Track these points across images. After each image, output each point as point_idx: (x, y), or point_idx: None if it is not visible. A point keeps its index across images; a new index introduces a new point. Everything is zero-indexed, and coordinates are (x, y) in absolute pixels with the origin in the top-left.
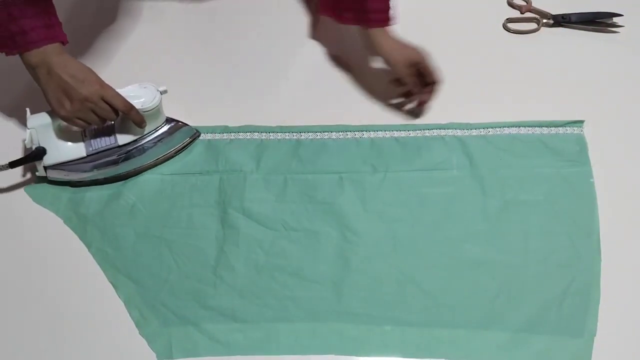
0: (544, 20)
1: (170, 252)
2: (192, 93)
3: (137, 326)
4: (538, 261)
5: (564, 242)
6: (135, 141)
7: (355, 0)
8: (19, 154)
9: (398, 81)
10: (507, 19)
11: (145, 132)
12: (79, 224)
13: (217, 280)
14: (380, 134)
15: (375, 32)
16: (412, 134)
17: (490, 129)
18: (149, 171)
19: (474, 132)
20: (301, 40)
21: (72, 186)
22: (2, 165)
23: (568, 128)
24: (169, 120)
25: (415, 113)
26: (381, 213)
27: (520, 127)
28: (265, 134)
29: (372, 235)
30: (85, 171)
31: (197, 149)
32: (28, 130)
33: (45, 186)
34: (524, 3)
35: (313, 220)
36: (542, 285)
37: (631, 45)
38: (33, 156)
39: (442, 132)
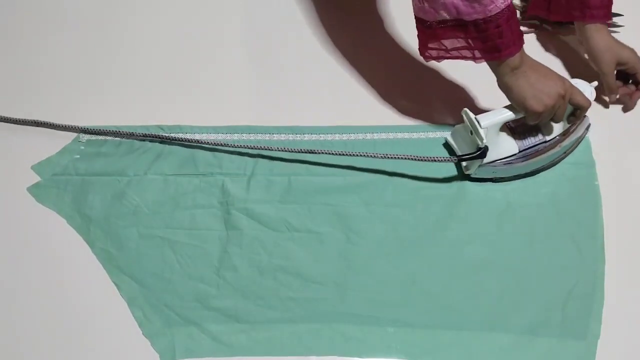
0: (544, 20)
1: (173, 252)
2: (190, 93)
3: (140, 326)
4: (542, 263)
5: (568, 244)
6: (555, 136)
7: None
8: None
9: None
10: None
11: (565, 127)
12: (82, 224)
13: (220, 281)
14: (383, 135)
15: (591, 27)
16: (415, 135)
17: None
18: (151, 171)
19: None
20: (305, 41)
21: (494, 182)
22: (452, 158)
23: None
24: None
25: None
26: (384, 214)
27: None
28: (268, 135)
29: (375, 237)
30: (512, 167)
31: (199, 150)
32: (482, 130)
33: (48, 187)
34: (524, 4)
35: (316, 221)
36: (546, 287)
37: (631, 45)
38: (481, 154)
39: (446, 134)
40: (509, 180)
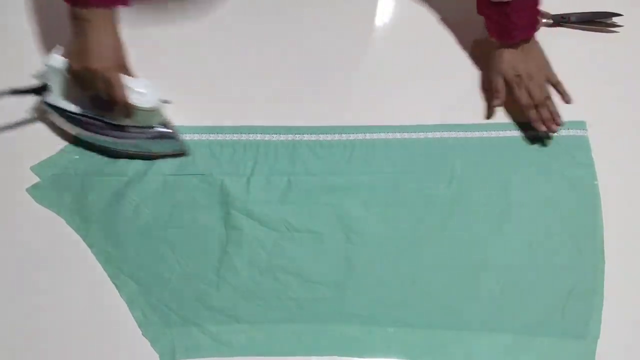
0: (544, 20)
1: (173, 252)
2: (190, 93)
3: (139, 327)
4: (541, 263)
5: (568, 244)
6: (122, 126)
7: (499, 12)
8: None
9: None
10: None
11: (136, 123)
12: (82, 225)
13: (220, 281)
14: (382, 135)
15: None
16: (414, 135)
17: (492, 132)
18: (151, 171)
19: (477, 134)
20: (305, 41)
21: (75, 145)
22: (3, 91)
23: (571, 130)
24: (165, 125)
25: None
26: (384, 215)
27: (523, 130)
28: (268, 135)
29: (375, 237)
30: (74, 125)
31: (198, 150)
32: (46, 66)
33: (47, 187)
34: None
35: (316, 221)
36: (546, 287)
37: (631, 45)
38: (36, 90)
39: (445, 134)
40: (75, 144)
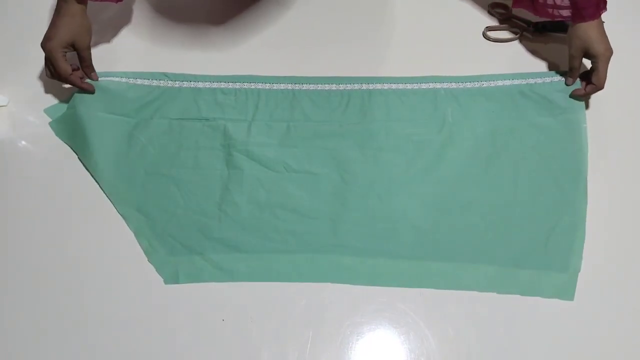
0: (524, 27)
1: (177, 189)
2: (193, 42)
3: (145, 254)
4: (526, 201)
5: (551, 184)
6: None
7: None
8: None
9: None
10: (486, 27)
11: None
12: (92, 161)
13: (221, 214)
14: (378, 86)
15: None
16: (409, 86)
17: (484, 82)
18: (157, 115)
19: (468, 85)
20: None
21: None
22: None
23: (556, 77)
24: None
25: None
26: (377, 158)
27: (514, 80)
28: (268, 84)
29: (368, 177)
30: None
31: (202, 97)
32: None
33: (64, 122)
34: (504, 11)
35: (313, 163)
36: (530, 223)
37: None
38: None
39: (438, 85)
40: None
